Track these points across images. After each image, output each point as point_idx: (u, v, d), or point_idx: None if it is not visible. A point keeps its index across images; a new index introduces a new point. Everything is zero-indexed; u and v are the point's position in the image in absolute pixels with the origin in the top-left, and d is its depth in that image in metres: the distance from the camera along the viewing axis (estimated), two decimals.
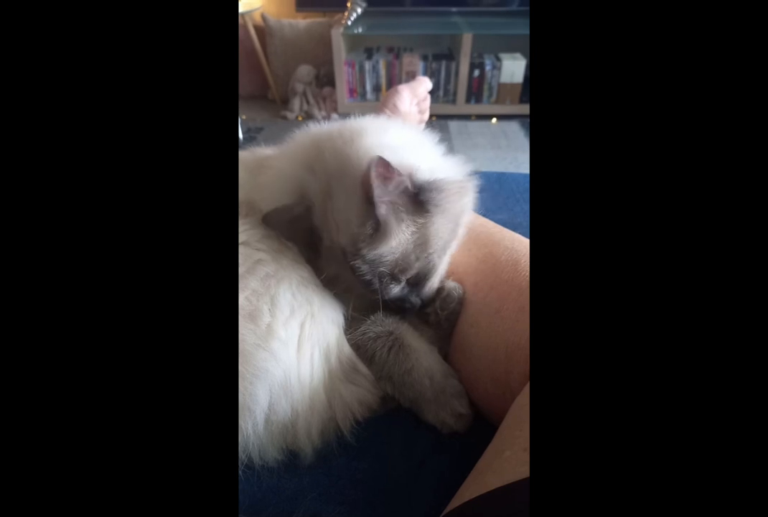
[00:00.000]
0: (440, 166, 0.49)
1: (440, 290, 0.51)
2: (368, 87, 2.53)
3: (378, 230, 0.43)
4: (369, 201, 0.42)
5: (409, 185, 0.43)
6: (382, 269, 0.44)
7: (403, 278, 0.46)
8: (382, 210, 0.42)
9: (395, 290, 0.47)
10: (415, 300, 0.49)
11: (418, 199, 0.44)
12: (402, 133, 0.51)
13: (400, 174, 0.42)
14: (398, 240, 0.44)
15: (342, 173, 0.44)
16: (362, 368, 0.48)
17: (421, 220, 0.44)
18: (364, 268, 0.44)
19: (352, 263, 0.44)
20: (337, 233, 0.44)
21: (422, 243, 0.45)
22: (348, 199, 0.44)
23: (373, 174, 0.40)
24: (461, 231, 0.50)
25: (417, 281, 0.48)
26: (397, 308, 0.49)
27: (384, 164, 0.40)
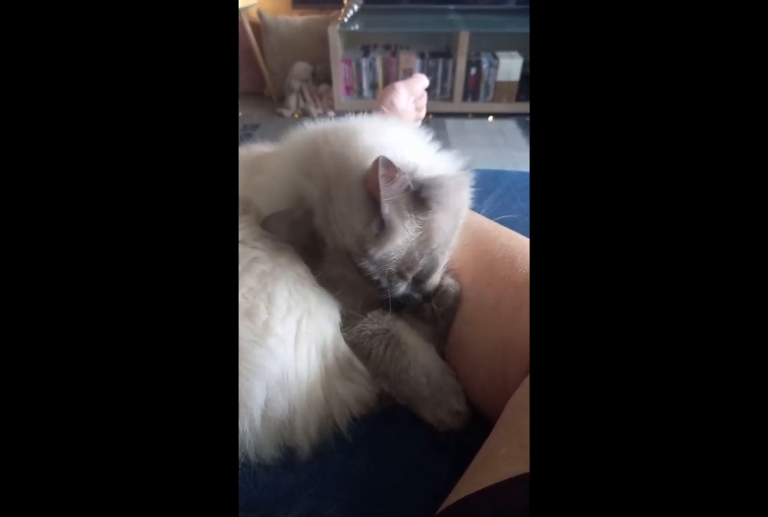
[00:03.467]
0: (437, 162, 0.49)
1: (437, 286, 0.50)
2: (365, 84, 2.51)
3: (383, 230, 0.43)
4: (372, 201, 0.42)
5: (411, 183, 0.44)
6: (389, 268, 0.45)
7: (410, 276, 0.47)
8: (386, 210, 0.42)
9: (402, 288, 0.48)
10: (417, 296, 0.49)
11: (420, 196, 0.44)
12: (398, 132, 0.51)
13: (402, 173, 0.42)
14: (404, 238, 0.44)
15: (341, 175, 0.44)
16: (359, 365, 0.48)
17: (423, 218, 0.45)
18: (372, 268, 0.45)
19: (359, 264, 0.45)
20: (342, 236, 0.44)
21: (426, 239, 0.46)
22: (350, 200, 0.44)
23: (380, 174, 0.40)
24: (460, 224, 0.51)
25: (421, 278, 0.48)
26: (401, 304, 0.50)
27: (387, 164, 0.40)
